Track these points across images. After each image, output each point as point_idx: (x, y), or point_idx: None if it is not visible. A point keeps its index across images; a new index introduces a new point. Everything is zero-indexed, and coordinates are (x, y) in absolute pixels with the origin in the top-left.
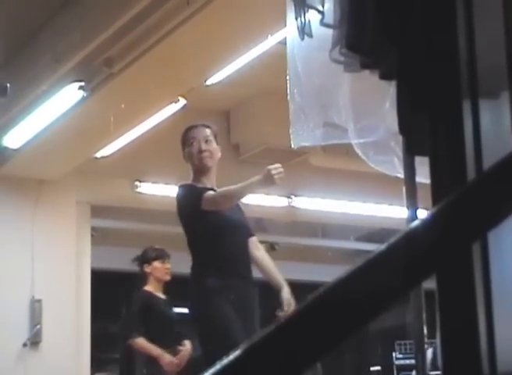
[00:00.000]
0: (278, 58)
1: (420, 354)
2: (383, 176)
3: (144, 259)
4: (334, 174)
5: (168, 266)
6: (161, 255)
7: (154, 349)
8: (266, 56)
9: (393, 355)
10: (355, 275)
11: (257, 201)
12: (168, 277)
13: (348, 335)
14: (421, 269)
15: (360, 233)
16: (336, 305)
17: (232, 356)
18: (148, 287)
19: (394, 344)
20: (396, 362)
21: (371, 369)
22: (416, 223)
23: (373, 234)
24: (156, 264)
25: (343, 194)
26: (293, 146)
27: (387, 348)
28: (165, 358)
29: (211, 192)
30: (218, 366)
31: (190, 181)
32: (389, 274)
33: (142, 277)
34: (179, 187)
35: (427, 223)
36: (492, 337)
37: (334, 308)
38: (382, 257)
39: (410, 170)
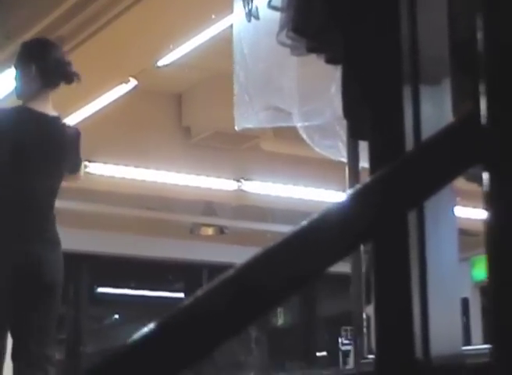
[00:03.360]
0: (228, 42)
1: (359, 337)
2: (335, 163)
3: None
4: (285, 159)
5: None
6: None
7: None
8: (219, 40)
9: (339, 340)
10: (288, 242)
11: (207, 184)
12: None
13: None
14: (357, 236)
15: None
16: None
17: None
18: None
19: (340, 330)
20: (342, 348)
21: (318, 354)
22: (352, 191)
23: None
24: None
25: (293, 179)
26: (236, 128)
27: (333, 333)
28: None
29: None
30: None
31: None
32: (324, 242)
33: None
34: None
35: (362, 192)
36: (426, 316)
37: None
38: (317, 224)
39: (353, 155)
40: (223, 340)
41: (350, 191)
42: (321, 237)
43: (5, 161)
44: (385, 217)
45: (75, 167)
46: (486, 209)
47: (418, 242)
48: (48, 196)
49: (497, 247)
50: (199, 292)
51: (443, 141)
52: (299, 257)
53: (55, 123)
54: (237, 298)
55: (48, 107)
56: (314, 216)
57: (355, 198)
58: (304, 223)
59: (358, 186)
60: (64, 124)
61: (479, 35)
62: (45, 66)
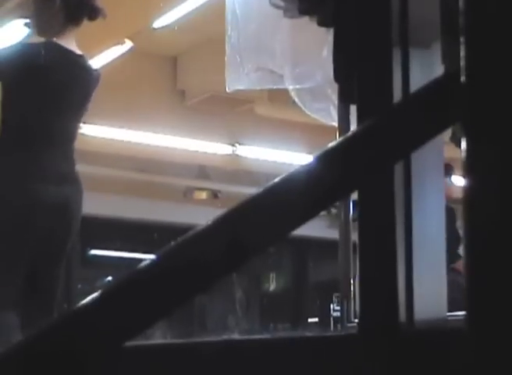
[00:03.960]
0: (222, 6)
1: (346, 302)
2: (330, 128)
3: None
4: (279, 124)
5: None
6: None
7: None
8: (215, 3)
9: (331, 306)
10: (270, 191)
11: (201, 147)
12: None
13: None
14: (341, 187)
15: None
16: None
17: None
18: None
19: (332, 297)
20: (334, 314)
21: (309, 320)
22: (338, 141)
23: None
24: None
25: (288, 144)
26: (227, 89)
27: (325, 300)
28: None
29: None
30: None
31: None
32: (310, 191)
33: None
34: None
35: (346, 142)
36: (410, 280)
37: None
38: (301, 175)
39: (344, 118)
40: (193, 294)
41: (331, 145)
42: (304, 187)
43: (37, 97)
44: (368, 169)
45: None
46: (464, 173)
47: (405, 204)
48: (72, 138)
49: (475, 213)
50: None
51: (421, 99)
52: (282, 205)
53: (83, 63)
54: (208, 254)
55: (73, 44)
56: (298, 167)
57: (338, 152)
58: (282, 176)
59: (339, 140)
60: (90, 65)
61: None
62: (69, 0)
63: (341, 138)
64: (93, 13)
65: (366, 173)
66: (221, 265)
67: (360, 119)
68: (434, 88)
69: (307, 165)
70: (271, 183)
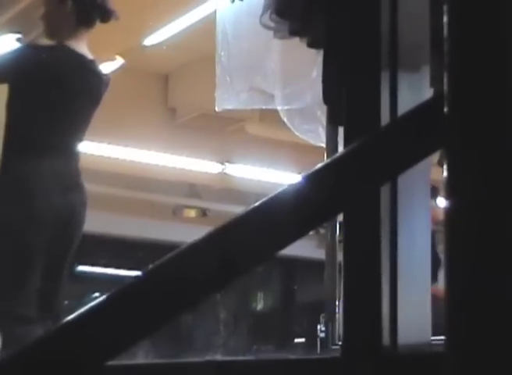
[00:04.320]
0: (213, 24)
1: (331, 324)
2: (320, 149)
3: None
4: (270, 143)
5: None
6: None
7: None
8: (206, 21)
9: (318, 327)
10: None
11: (191, 166)
12: None
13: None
14: (328, 208)
15: None
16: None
17: None
18: None
19: (320, 317)
20: (320, 335)
21: (296, 340)
22: (325, 162)
23: None
24: None
25: (277, 163)
26: (216, 109)
27: (312, 320)
28: None
29: None
30: None
31: None
32: (295, 213)
33: None
34: None
35: (334, 164)
36: (395, 304)
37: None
38: (288, 195)
39: (332, 140)
40: (179, 311)
41: (318, 166)
42: (291, 206)
43: (47, 102)
44: (355, 191)
45: None
46: (445, 196)
47: (390, 226)
48: (78, 144)
49: (456, 236)
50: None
51: (408, 123)
52: (269, 224)
53: (94, 68)
54: (195, 271)
55: (85, 48)
56: (286, 187)
57: (325, 172)
58: (270, 196)
59: (326, 161)
60: (101, 70)
61: (445, 19)
62: (81, 1)
63: (328, 159)
64: (105, 15)
65: (353, 194)
66: (208, 282)
67: (347, 140)
68: (421, 112)
69: (294, 185)
70: (259, 202)
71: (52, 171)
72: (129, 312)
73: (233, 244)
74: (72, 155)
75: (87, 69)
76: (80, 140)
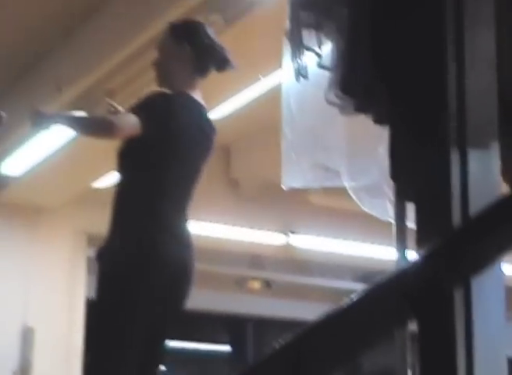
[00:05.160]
0: (278, 94)
1: None
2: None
3: None
4: (333, 213)
5: None
6: None
7: None
8: (268, 91)
9: None
10: (340, 314)
11: (254, 237)
12: None
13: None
14: (404, 311)
15: (357, 274)
16: (320, 343)
17: None
18: None
19: None
20: None
21: None
22: (402, 265)
23: (369, 275)
24: None
25: (341, 233)
26: (283, 187)
27: None
28: None
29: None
30: None
31: None
32: (374, 315)
33: None
34: None
35: (412, 267)
36: None
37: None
38: (369, 298)
39: (400, 216)
40: None
41: (390, 271)
42: (365, 314)
43: (169, 153)
44: (429, 294)
45: None
46: None
47: (465, 329)
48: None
49: None
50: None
51: (491, 218)
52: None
53: (211, 119)
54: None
55: (200, 97)
56: (363, 291)
57: (397, 279)
58: (356, 296)
59: (399, 267)
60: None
61: None
62: (199, 47)
63: (401, 264)
64: (222, 64)
65: (427, 297)
66: None
67: (420, 239)
68: (495, 211)
69: (367, 291)
70: (330, 312)
71: (172, 223)
72: None
73: (359, 322)
74: (186, 209)
75: (206, 120)
76: (192, 195)
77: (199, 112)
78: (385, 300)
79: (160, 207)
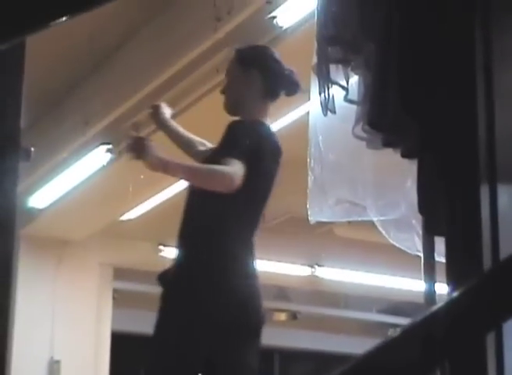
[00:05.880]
0: (305, 127)
1: None
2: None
3: None
4: (358, 245)
5: None
6: None
7: None
8: (293, 124)
9: None
10: (373, 355)
11: (281, 269)
12: None
13: None
14: (435, 355)
15: (383, 305)
16: None
17: None
18: None
19: None
20: None
21: None
22: (434, 309)
23: (395, 307)
24: None
25: (366, 265)
26: (310, 221)
27: None
28: None
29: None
30: None
31: None
32: (404, 358)
33: None
34: None
35: (443, 311)
36: None
37: None
38: (399, 341)
39: (428, 250)
40: None
41: (423, 315)
42: (398, 355)
43: (251, 183)
44: (460, 339)
45: None
46: None
47: (496, 351)
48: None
49: None
50: None
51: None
52: None
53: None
54: None
55: (270, 123)
56: (395, 333)
57: (429, 322)
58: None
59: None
60: None
61: None
62: (268, 72)
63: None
64: (292, 88)
65: (458, 343)
66: None
67: (450, 277)
68: None
69: (402, 332)
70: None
71: (245, 256)
72: None
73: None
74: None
75: (278, 148)
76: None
77: (274, 141)
78: (414, 344)
79: (234, 245)
